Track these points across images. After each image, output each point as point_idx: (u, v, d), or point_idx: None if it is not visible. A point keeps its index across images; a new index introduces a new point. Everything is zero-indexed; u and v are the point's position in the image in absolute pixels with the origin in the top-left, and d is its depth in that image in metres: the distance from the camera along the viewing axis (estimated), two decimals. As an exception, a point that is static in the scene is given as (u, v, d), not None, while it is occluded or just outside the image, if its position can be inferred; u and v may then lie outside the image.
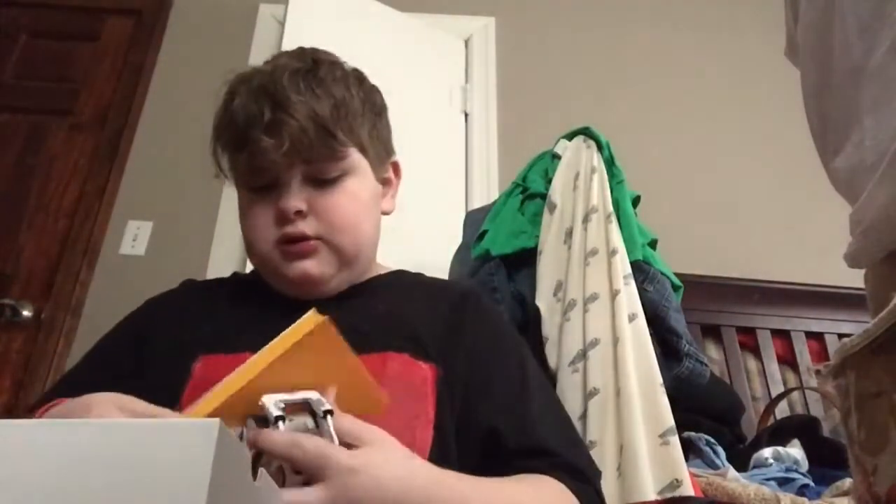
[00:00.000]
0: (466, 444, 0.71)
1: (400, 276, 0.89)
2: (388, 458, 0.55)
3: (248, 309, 0.79)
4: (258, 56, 2.34)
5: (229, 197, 2.13)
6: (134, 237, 2.09)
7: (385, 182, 0.86)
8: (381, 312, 0.79)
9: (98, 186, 2.15)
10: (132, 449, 0.32)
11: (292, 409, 0.50)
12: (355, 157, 0.79)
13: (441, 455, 0.67)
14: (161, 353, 0.76)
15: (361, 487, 0.52)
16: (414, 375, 0.72)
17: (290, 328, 0.52)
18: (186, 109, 2.29)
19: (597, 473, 0.74)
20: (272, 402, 0.50)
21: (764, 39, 2.18)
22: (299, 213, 0.75)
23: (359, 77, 0.84)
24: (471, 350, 0.77)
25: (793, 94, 0.62)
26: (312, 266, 0.76)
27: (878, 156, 0.43)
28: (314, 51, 0.83)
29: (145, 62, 2.35)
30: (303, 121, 0.73)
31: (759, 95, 2.39)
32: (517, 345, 0.84)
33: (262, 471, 0.47)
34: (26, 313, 1.96)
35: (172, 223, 2.11)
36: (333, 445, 0.50)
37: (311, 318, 0.52)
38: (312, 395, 0.52)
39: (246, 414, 0.50)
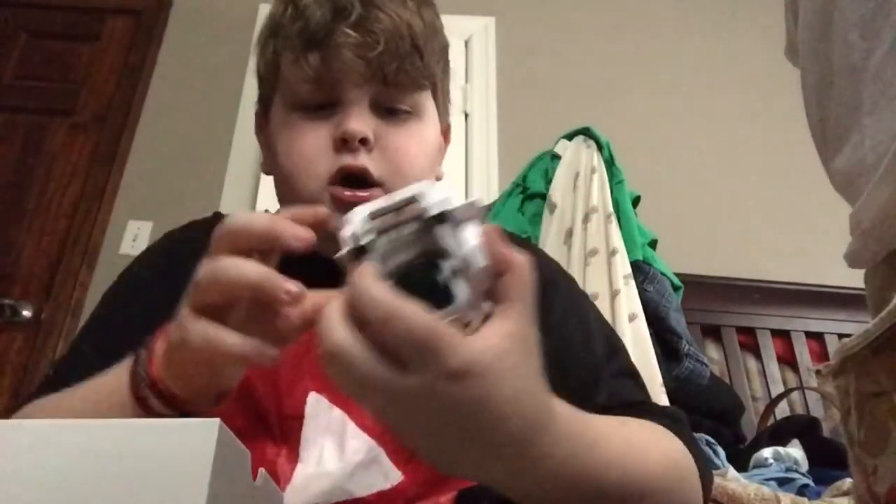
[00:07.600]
0: None
1: None
2: (512, 363, 0.35)
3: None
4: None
5: (229, 196, 2.14)
6: (134, 237, 2.09)
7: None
8: None
9: (98, 186, 2.15)
10: (132, 449, 0.33)
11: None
12: (427, 98, 0.67)
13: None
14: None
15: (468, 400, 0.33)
16: None
17: None
18: (186, 109, 2.29)
19: (682, 416, 0.63)
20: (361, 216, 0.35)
21: (764, 39, 2.18)
22: (364, 143, 0.61)
23: (438, 16, 0.70)
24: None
25: (793, 94, 0.62)
26: None
27: (878, 156, 0.43)
28: None
29: (145, 62, 2.36)
30: (398, 23, 0.61)
31: (759, 95, 2.39)
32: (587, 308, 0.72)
33: (261, 471, 0.47)
34: (26, 313, 1.96)
35: (172, 223, 2.10)
36: (442, 330, 0.32)
37: None
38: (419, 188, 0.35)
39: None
